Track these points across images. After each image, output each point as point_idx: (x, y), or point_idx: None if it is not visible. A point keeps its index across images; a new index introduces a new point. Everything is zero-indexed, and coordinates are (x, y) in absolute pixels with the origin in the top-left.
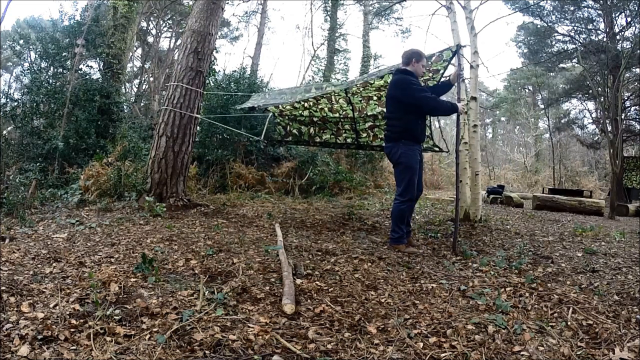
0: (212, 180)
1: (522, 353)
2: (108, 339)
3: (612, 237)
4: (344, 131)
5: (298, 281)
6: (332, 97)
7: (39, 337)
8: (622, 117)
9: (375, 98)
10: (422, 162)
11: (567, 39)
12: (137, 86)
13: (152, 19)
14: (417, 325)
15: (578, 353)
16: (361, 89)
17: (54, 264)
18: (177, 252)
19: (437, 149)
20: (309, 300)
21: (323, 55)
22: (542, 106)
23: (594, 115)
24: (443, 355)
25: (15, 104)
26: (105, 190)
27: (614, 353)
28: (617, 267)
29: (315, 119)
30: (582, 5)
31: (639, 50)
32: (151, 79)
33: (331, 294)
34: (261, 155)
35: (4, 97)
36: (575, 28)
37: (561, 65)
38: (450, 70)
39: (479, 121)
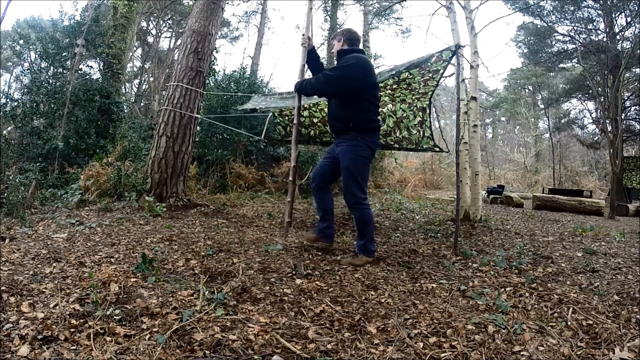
0: (212, 180)
1: (522, 353)
2: (108, 339)
3: (612, 237)
4: None
5: (298, 281)
6: None
7: (39, 337)
8: (622, 117)
9: None
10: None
11: (567, 39)
12: (137, 86)
13: (152, 19)
14: (417, 325)
15: (578, 353)
16: None
17: (54, 264)
18: (177, 252)
19: (437, 149)
20: (309, 300)
21: (323, 55)
22: (542, 106)
23: (594, 115)
24: (443, 355)
25: (15, 104)
26: (105, 190)
27: (614, 353)
28: (617, 267)
29: (315, 120)
30: (582, 5)
31: (639, 50)
32: (151, 79)
33: (331, 294)
34: (261, 155)
35: (4, 97)
36: (575, 28)
37: (561, 65)
38: (450, 70)
39: (479, 121)
